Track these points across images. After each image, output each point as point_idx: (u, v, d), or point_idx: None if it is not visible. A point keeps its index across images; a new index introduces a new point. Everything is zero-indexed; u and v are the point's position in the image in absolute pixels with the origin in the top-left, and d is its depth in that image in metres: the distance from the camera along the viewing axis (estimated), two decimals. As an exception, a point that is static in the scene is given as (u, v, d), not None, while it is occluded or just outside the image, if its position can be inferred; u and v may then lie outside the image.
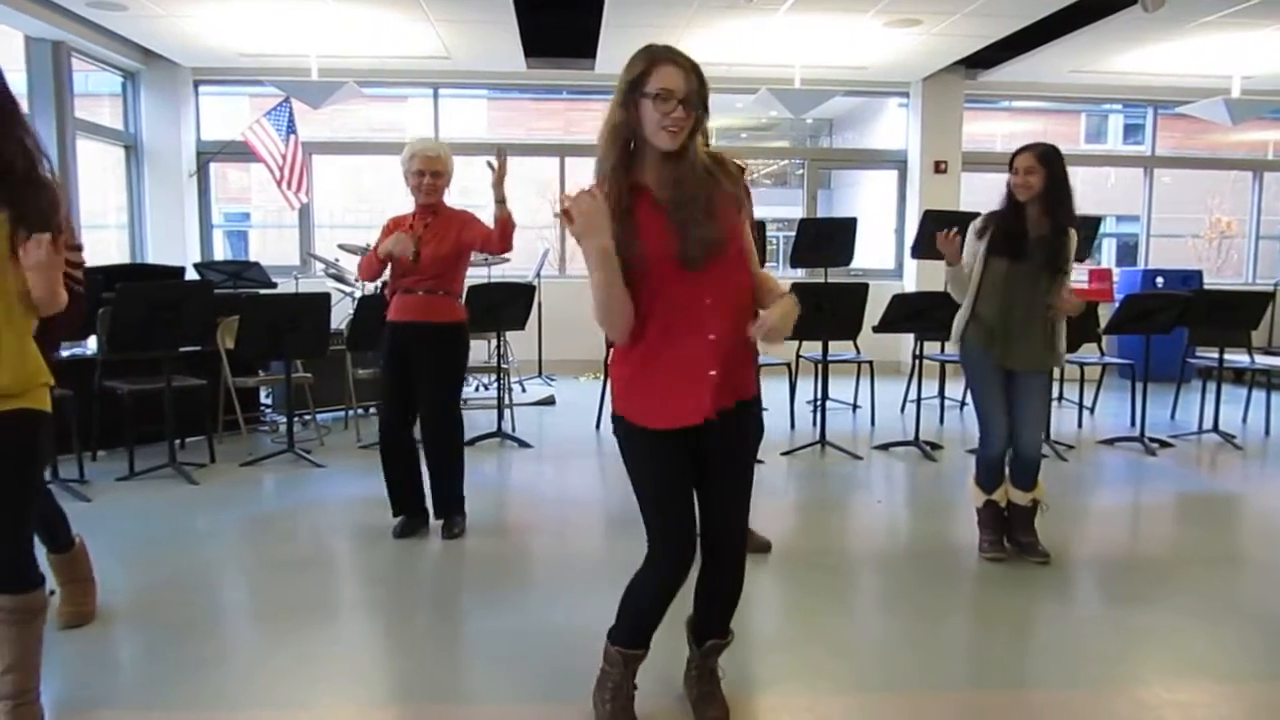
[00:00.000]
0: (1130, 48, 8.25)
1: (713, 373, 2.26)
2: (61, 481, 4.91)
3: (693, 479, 2.35)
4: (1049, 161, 3.69)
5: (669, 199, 2.25)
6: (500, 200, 4.04)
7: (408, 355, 4.12)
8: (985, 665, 3.06)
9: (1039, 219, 3.77)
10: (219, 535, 4.41)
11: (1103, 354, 7.62)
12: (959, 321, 3.93)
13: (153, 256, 9.06)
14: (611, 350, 2.45)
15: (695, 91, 2.19)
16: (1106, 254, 13.96)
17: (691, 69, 2.20)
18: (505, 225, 4.08)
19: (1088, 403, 7.53)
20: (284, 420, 6.07)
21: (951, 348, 4.17)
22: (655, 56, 2.21)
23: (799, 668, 2.96)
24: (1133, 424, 6.59)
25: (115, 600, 3.38)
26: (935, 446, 6.18)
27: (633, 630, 2.47)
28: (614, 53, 8.51)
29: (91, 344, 5.68)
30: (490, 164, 4.00)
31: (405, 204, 4.25)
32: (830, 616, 3.42)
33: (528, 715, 2.64)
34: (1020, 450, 3.88)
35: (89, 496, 4.82)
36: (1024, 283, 3.77)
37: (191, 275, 7.61)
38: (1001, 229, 3.80)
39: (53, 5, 7.05)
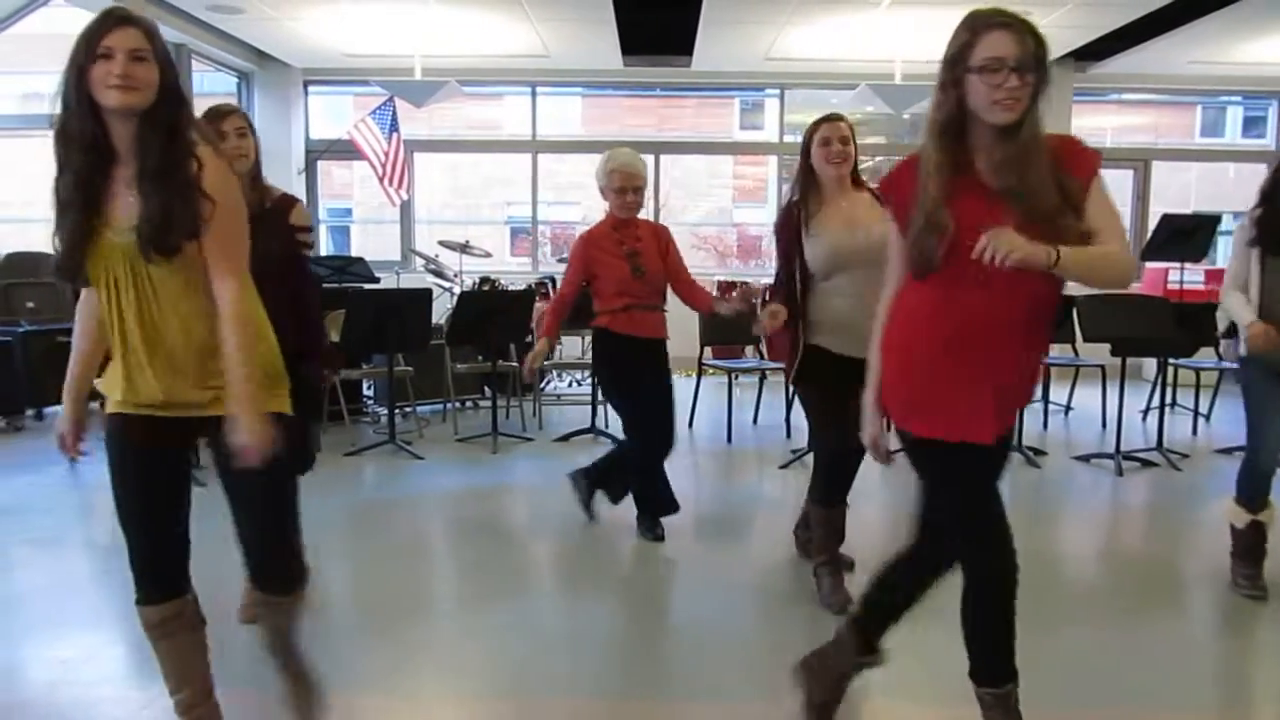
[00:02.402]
0: (1257, 36, 7.84)
1: (997, 386, 2.10)
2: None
3: None
4: None
5: (1005, 188, 1.98)
6: (725, 310, 4.00)
7: (661, 370, 4.15)
8: (1089, 683, 2.96)
9: None
10: (324, 523, 4.54)
11: (1220, 358, 7.26)
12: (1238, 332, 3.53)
13: (263, 251, 9.38)
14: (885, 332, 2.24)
15: (1032, 54, 1.96)
16: (1224, 253, 13.32)
17: (1025, 30, 1.98)
18: (704, 301, 4.13)
19: (1203, 409, 7.20)
20: (385, 412, 6.23)
21: (1231, 357, 3.83)
22: (978, 23, 1.98)
23: (888, 678, 2.90)
24: (1252, 433, 6.28)
25: (226, 585, 3.51)
26: (1039, 452, 5.98)
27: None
28: (711, 50, 8.49)
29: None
30: (740, 307, 3.95)
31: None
32: (921, 627, 3.35)
33: (624, 711, 2.65)
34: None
35: (204, 481, 5.00)
36: None
37: (300, 270, 7.83)
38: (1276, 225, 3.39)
39: (175, 9, 7.38)
